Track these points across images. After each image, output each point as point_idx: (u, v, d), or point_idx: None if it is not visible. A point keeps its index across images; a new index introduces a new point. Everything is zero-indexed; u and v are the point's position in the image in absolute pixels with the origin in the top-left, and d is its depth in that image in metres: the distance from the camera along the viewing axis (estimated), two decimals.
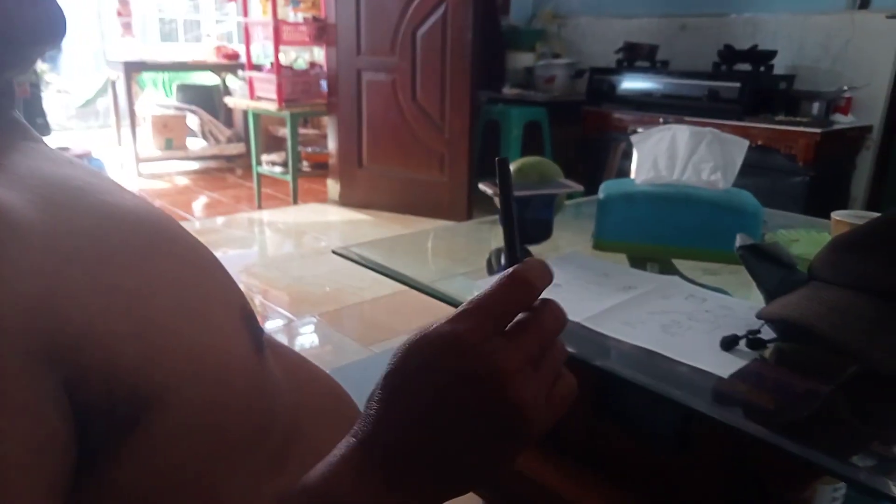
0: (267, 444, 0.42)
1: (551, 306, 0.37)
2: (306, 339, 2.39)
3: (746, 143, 1.14)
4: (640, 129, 1.19)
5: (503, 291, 0.35)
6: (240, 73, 4.73)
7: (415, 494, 0.34)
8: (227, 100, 4.48)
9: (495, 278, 0.36)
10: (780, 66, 3.32)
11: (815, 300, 0.70)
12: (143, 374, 0.35)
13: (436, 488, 0.35)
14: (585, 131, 3.75)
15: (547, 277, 0.36)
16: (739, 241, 0.83)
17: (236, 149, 5.16)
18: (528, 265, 0.36)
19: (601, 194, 1.14)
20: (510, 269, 0.35)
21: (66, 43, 2.53)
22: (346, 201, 4.10)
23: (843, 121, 3.09)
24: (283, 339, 2.34)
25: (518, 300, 0.35)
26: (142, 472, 0.35)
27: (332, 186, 4.20)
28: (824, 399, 0.70)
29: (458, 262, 1.22)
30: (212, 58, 5.06)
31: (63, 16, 0.42)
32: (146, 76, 5.42)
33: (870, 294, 0.69)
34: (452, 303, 0.93)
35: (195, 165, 5.26)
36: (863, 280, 0.70)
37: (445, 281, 1.00)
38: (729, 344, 0.77)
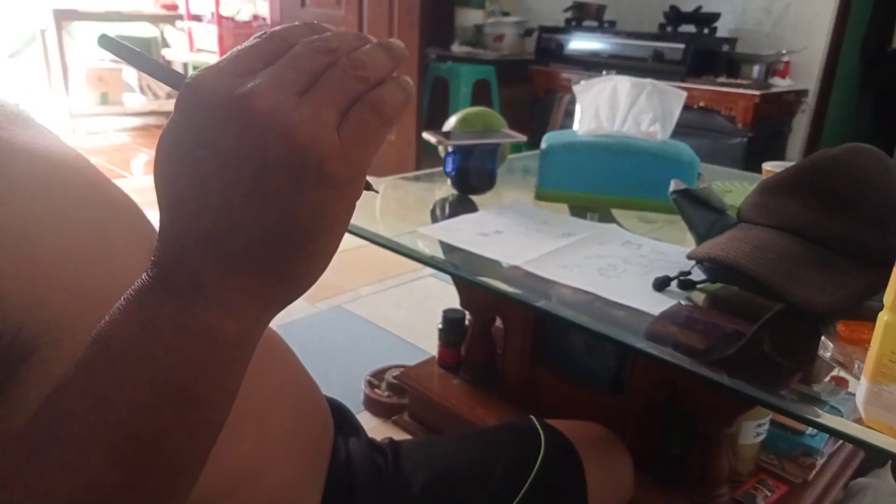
0: None
1: (312, 28, 0.31)
2: None
3: (684, 94, 1.16)
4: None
5: (250, 44, 0.30)
6: (178, 24, 4.54)
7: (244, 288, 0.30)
8: (166, 52, 4.30)
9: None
10: (723, 28, 3.38)
11: (741, 240, 0.73)
12: (31, 312, 0.34)
13: (263, 275, 0.30)
14: (534, 90, 3.76)
15: (308, 32, 0.31)
16: (673, 186, 0.86)
17: None
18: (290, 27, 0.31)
19: (543, 144, 1.15)
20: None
21: None
22: None
23: (780, 84, 3.18)
24: None
25: (268, 49, 0.29)
26: (36, 405, 0.35)
27: None
28: (749, 337, 0.73)
29: (403, 214, 1.22)
30: (149, 8, 4.83)
31: None
32: (78, 26, 5.15)
33: (792, 234, 0.72)
34: (399, 251, 0.93)
35: (135, 122, 5.05)
36: (786, 220, 0.73)
37: (389, 231, 1.00)
38: (661, 285, 0.80)
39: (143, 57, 0.32)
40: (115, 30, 5.17)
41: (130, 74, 4.90)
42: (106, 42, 0.31)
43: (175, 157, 0.29)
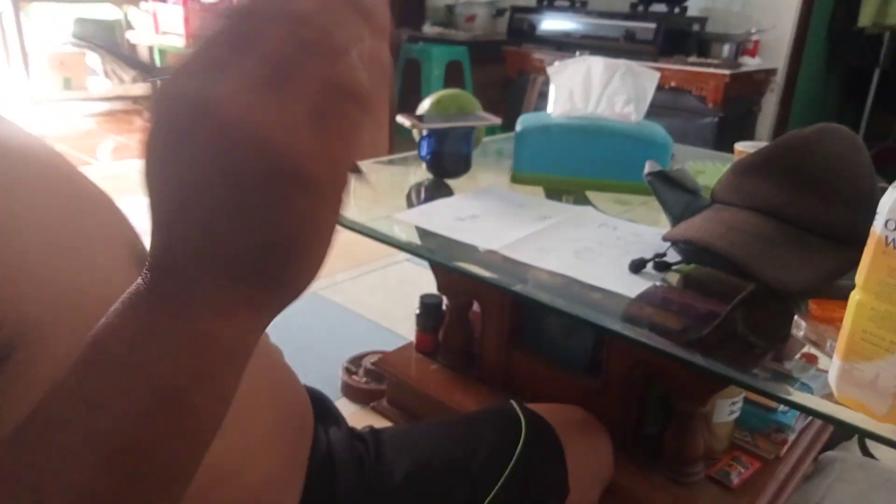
0: None
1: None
2: None
3: (658, 75, 1.16)
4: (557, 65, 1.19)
5: (218, 29, 0.27)
6: (143, 4, 4.42)
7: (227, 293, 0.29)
8: (130, 35, 4.20)
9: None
10: (693, 7, 3.40)
11: (715, 221, 0.73)
12: (9, 311, 0.33)
13: (246, 285, 0.29)
14: (506, 71, 3.74)
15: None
16: (648, 167, 0.86)
17: (143, 89, 4.87)
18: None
19: (518, 127, 1.14)
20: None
21: None
22: None
23: (750, 63, 3.21)
24: None
25: (237, 31, 0.27)
26: (19, 405, 0.33)
27: None
28: (723, 317, 0.73)
29: (377, 199, 1.21)
30: None
31: None
32: (38, 7, 4.99)
33: (765, 214, 0.73)
34: (377, 237, 0.93)
35: (100, 107, 4.93)
36: (759, 201, 0.74)
37: (364, 216, 0.99)
38: (637, 267, 0.80)
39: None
40: (77, 12, 5.03)
41: (94, 58, 4.78)
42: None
43: (157, 168, 0.28)
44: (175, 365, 0.29)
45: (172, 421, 0.29)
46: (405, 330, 1.73)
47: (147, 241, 0.30)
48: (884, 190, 0.52)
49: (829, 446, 1.19)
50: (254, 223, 0.27)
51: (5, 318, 0.34)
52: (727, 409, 0.99)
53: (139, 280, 0.29)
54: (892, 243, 0.49)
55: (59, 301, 0.36)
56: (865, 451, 1.31)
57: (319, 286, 2.18)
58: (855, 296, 0.53)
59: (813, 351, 0.66)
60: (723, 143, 3.02)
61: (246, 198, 0.27)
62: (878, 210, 0.50)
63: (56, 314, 0.35)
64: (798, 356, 0.70)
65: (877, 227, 0.50)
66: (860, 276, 0.53)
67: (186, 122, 0.26)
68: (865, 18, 3.50)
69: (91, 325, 0.31)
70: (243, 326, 0.30)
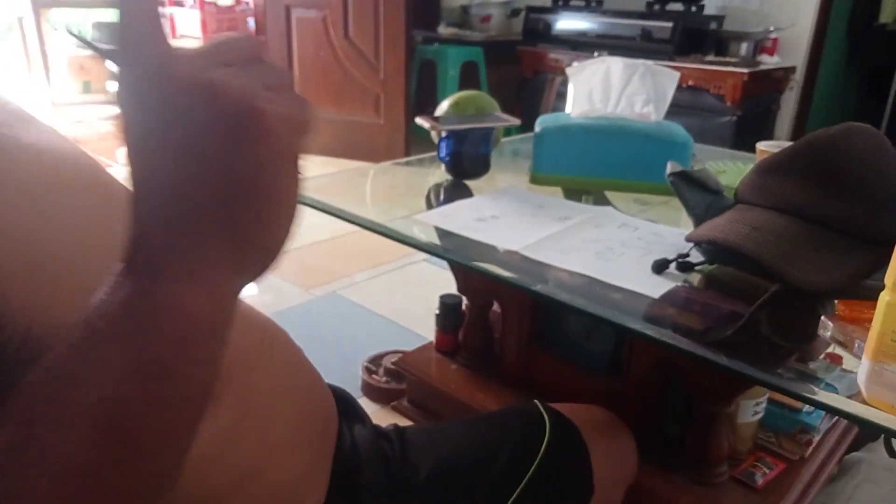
0: None
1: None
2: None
3: (678, 75, 1.16)
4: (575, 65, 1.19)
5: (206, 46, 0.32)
6: (160, 9, 4.47)
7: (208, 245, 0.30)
8: None
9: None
10: (710, 6, 3.37)
11: (740, 221, 0.73)
12: (40, 313, 0.34)
13: (227, 237, 0.30)
14: (522, 71, 3.74)
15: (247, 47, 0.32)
16: (670, 168, 0.85)
17: None
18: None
19: (537, 128, 1.14)
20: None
21: None
22: None
23: (769, 61, 3.18)
24: None
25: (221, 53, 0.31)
26: None
27: None
28: (748, 317, 0.73)
29: (396, 200, 1.21)
30: None
31: None
32: (57, 13, 5.05)
33: (790, 214, 0.73)
34: (391, 236, 0.93)
35: (118, 110, 4.98)
36: (783, 201, 0.74)
37: (383, 216, 0.99)
38: (660, 267, 0.80)
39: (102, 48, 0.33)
40: (95, 17, 5.09)
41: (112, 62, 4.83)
42: (73, 36, 0.33)
43: (130, 143, 0.30)
44: (157, 334, 0.29)
45: (158, 388, 0.30)
46: (423, 330, 1.73)
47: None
48: None
49: (854, 447, 1.18)
50: (213, 171, 0.29)
51: (35, 320, 0.34)
52: (751, 409, 0.98)
53: (118, 260, 0.30)
54: None
55: (86, 303, 0.36)
56: (892, 453, 1.29)
57: (338, 286, 2.19)
58: (884, 297, 0.53)
59: (838, 351, 0.65)
60: (741, 142, 3.00)
61: (203, 145, 0.29)
62: None
63: None
64: (822, 356, 0.69)
65: None
66: (890, 277, 0.52)
67: (144, 88, 0.29)
68: (886, 15, 3.46)
69: None
70: (220, 289, 0.31)
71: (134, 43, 0.29)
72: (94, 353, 0.29)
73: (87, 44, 0.35)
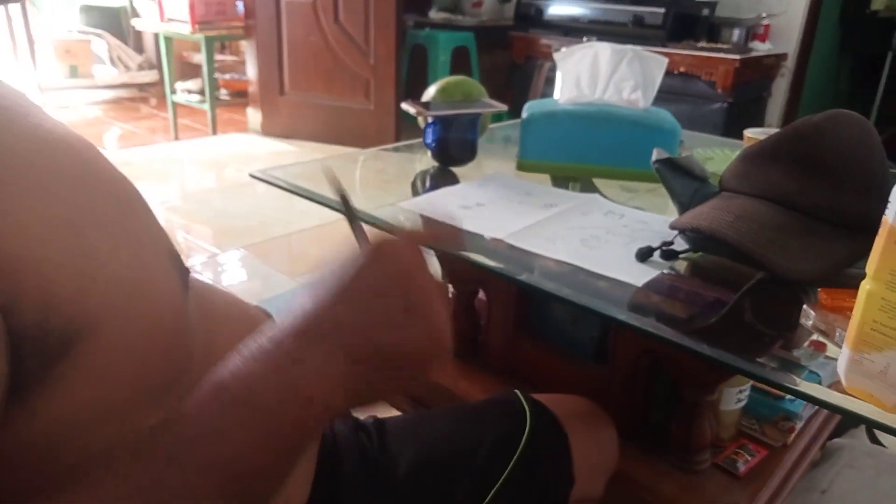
0: (183, 383, 0.42)
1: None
2: (233, 273, 2.34)
3: (666, 60, 1.15)
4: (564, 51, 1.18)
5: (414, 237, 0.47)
6: None
7: (363, 363, 0.39)
8: (136, 22, 4.18)
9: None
10: None
11: (724, 209, 0.72)
12: (80, 304, 0.34)
13: (381, 364, 0.40)
14: (513, 57, 3.72)
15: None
16: (655, 155, 0.85)
17: (149, 76, 4.86)
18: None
19: (524, 114, 1.13)
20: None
21: None
22: (268, 131, 3.95)
23: (760, 48, 3.17)
24: (208, 273, 2.28)
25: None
26: (65, 404, 0.35)
27: (253, 115, 4.04)
28: (731, 306, 0.73)
29: (383, 186, 1.20)
30: None
31: None
32: None
33: (774, 202, 0.72)
34: (381, 227, 0.92)
35: (106, 95, 4.93)
36: (768, 188, 0.73)
37: (370, 204, 0.98)
38: (644, 255, 0.79)
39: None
40: (83, 0, 5.02)
41: (99, 45, 4.77)
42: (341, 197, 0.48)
43: (351, 284, 0.41)
44: (288, 413, 0.37)
45: (277, 457, 0.37)
46: None
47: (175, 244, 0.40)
48: None
49: (836, 433, 1.19)
50: (391, 342, 0.40)
51: (75, 311, 0.34)
52: (734, 397, 0.98)
53: (264, 336, 0.38)
54: None
55: (118, 295, 0.37)
56: (873, 439, 1.30)
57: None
58: (865, 285, 0.52)
59: (822, 339, 0.65)
60: (732, 128, 2.99)
61: (399, 327, 0.40)
62: (891, 199, 0.49)
63: (112, 310, 0.36)
64: (806, 344, 0.69)
65: (889, 215, 0.49)
66: (871, 266, 0.52)
67: (389, 262, 0.42)
68: (878, 1, 3.45)
69: (141, 320, 0.38)
70: (338, 402, 0.39)
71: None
72: (233, 415, 0.36)
73: (349, 211, 0.48)
